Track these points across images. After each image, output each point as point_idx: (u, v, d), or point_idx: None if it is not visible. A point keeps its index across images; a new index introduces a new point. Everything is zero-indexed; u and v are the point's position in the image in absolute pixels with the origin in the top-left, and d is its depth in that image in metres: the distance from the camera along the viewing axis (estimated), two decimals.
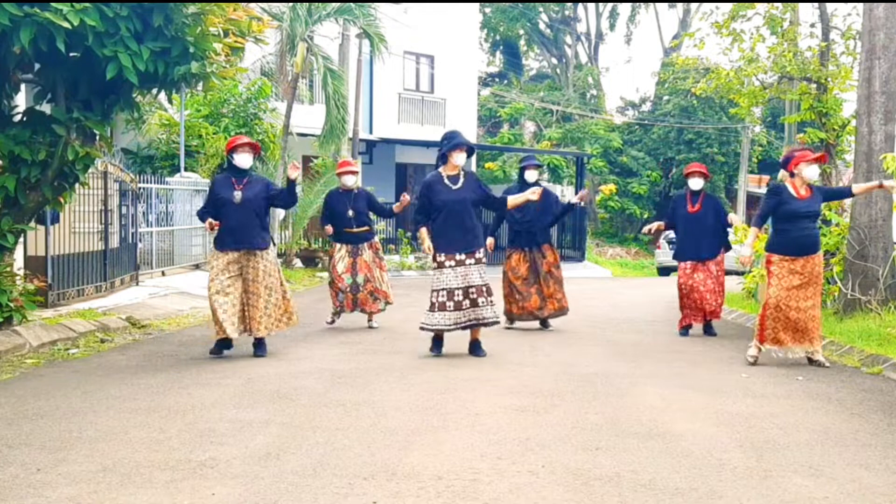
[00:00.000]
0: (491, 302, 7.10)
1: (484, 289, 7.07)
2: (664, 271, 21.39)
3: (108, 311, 9.28)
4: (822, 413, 5.27)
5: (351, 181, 8.90)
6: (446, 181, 7.11)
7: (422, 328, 7.16)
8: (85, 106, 7.19)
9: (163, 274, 13.59)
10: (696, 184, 8.75)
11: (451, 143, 7.13)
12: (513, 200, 7.43)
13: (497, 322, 7.25)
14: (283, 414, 5.03)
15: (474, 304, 7.01)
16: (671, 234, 9.33)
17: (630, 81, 75.81)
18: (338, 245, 8.89)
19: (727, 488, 3.77)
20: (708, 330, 8.85)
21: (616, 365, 6.92)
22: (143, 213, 13.20)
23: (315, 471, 3.93)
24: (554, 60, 39.52)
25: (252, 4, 9.80)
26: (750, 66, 11.32)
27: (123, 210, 11.63)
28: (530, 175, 9.01)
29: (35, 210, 7.60)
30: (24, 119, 7.42)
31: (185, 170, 15.36)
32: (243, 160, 7.02)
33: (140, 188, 12.80)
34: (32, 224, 7.94)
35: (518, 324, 9.17)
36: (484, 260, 7.18)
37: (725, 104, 25.77)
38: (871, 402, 5.61)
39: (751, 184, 31.96)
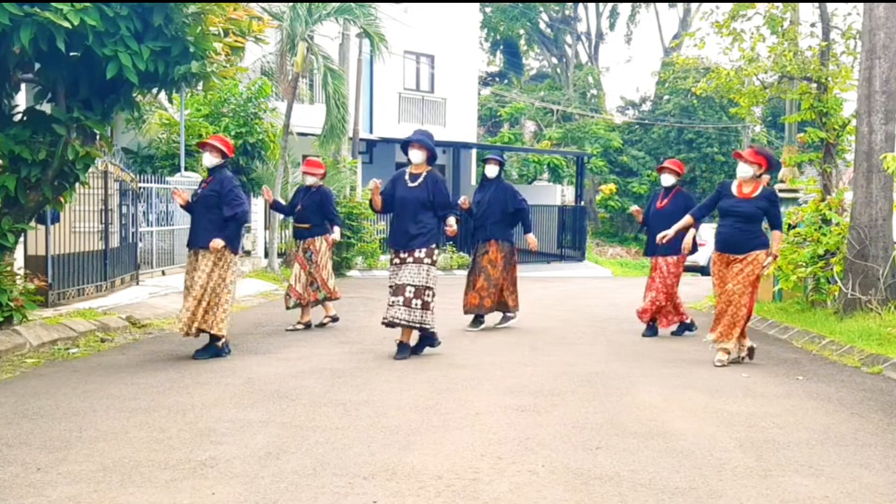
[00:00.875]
0: (413, 304, 6.90)
1: (409, 289, 6.92)
2: None
3: (108, 310, 9.28)
4: (822, 413, 5.28)
5: (309, 181, 9.00)
6: (406, 177, 7.15)
7: (383, 323, 7.16)
8: (85, 105, 7.19)
9: (163, 273, 13.58)
10: (666, 180, 8.79)
11: (407, 139, 7.22)
12: (451, 223, 7.16)
13: (414, 327, 6.98)
14: (283, 414, 5.03)
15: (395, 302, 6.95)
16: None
17: (630, 81, 75.72)
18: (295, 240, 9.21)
19: (727, 488, 3.77)
20: (652, 330, 8.81)
21: (616, 365, 6.92)
22: (144, 212, 13.19)
23: (315, 470, 3.93)
24: (554, 60, 39.52)
25: (252, 4, 9.80)
26: (750, 66, 11.31)
27: (124, 210, 11.62)
28: (490, 170, 9.03)
29: (35, 209, 7.60)
30: (25, 119, 7.42)
31: (186, 169, 15.34)
32: (205, 159, 7.19)
33: (140, 188, 12.79)
34: (33, 223, 7.93)
35: (512, 323, 9.15)
36: (426, 261, 7.01)
37: (726, 104, 25.72)
38: (872, 402, 5.61)
39: None
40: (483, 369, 6.59)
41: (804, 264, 9.82)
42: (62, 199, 7.78)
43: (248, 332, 8.60)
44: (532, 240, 9.21)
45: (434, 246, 7.13)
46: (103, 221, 10.63)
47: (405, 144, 7.20)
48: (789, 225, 10.71)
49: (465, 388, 5.85)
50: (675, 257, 8.53)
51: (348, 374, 6.30)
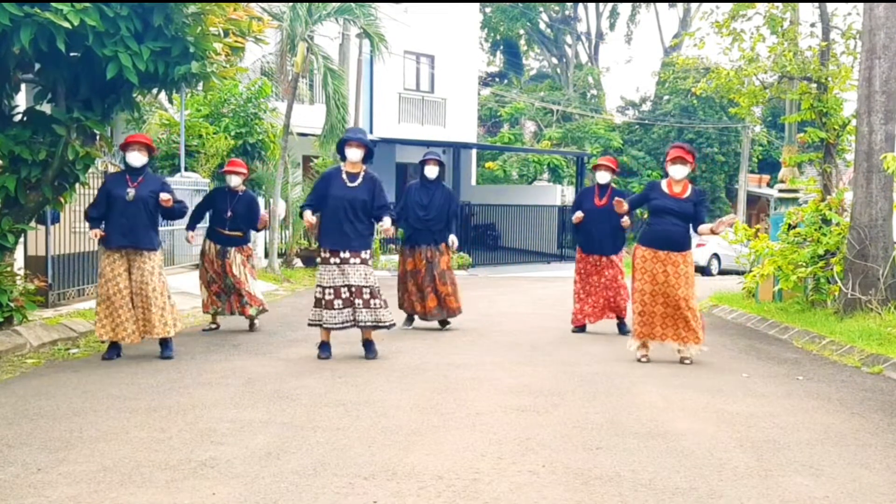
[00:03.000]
0: (373, 304, 6.91)
1: (365, 290, 6.89)
2: None
3: None
4: (823, 413, 5.28)
5: (234, 181, 8.63)
6: (344, 177, 7.04)
7: (310, 324, 7.08)
8: (85, 106, 7.18)
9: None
10: (602, 177, 8.78)
11: (344, 137, 7.18)
12: (386, 224, 7.03)
13: (379, 326, 6.99)
14: (284, 414, 5.03)
15: (352, 304, 6.90)
16: None
17: (630, 81, 75.83)
18: (207, 242, 8.65)
19: (727, 488, 3.77)
20: (622, 328, 8.82)
21: (616, 365, 6.92)
22: None
23: (315, 470, 3.93)
24: (554, 60, 39.53)
25: (252, 4, 9.79)
26: (750, 66, 11.31)
27: None
28: (430, 171, 8.88)
29: (35, 210, 7.60)
30: (25, 119, 7.42)
31: (186, 170, 15.34)
32: (134, 158, 6.93)
33: None
34: (33, 224, 7.93)
35: (512, 323, 9.16)
36: (370, 262, 7.04)
37: (725, 104, 25.73)
38: (872, 402, 5.61)
39: (751, 183, 31.98)
40: (483, 369, 6.59)
41: (804, 264, 9.81)
42: (62, 200, 7.77)
43: (247, 332, 8.60)
44: (454, 240, 8.90)
45: (372, 247, 7.18)
46: None
47: (341, 144, 7.12)
48: (789, 225, 10.72)
49: (465, 388, 5.85)
50: (621, 253, 8.78)
51: (348, 374, 6.30)
